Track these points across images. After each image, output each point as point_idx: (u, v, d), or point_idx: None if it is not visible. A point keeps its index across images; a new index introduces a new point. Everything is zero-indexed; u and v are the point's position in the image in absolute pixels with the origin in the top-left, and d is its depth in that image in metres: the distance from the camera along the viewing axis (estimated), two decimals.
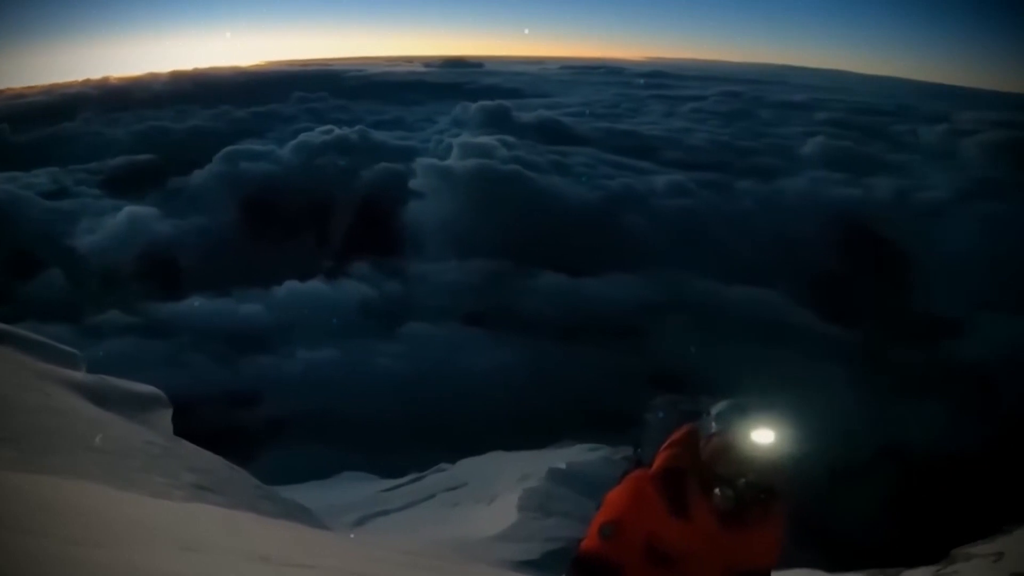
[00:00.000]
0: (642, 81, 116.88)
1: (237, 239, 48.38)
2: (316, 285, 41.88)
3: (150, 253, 44.99)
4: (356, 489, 17.48)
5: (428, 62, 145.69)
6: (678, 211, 50.37)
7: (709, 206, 51.53)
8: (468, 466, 17.36)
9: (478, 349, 35.86)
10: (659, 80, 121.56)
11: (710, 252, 44.90)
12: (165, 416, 10.31)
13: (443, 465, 17.82)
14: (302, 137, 61.97)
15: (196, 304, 38.86)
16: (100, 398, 9.20)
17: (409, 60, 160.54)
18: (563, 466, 14.82)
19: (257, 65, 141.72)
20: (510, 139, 61.07)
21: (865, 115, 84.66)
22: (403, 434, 27.47)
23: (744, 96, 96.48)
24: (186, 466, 8.41)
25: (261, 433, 28.87)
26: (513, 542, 11.43)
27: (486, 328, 38.14)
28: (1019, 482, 26.95)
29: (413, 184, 52.26)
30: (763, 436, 2.47)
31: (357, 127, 65.73)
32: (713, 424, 2.58)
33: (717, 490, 2.52)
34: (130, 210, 48.36)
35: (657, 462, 2.69)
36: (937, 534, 10.59)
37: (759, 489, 2.50)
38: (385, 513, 14.76)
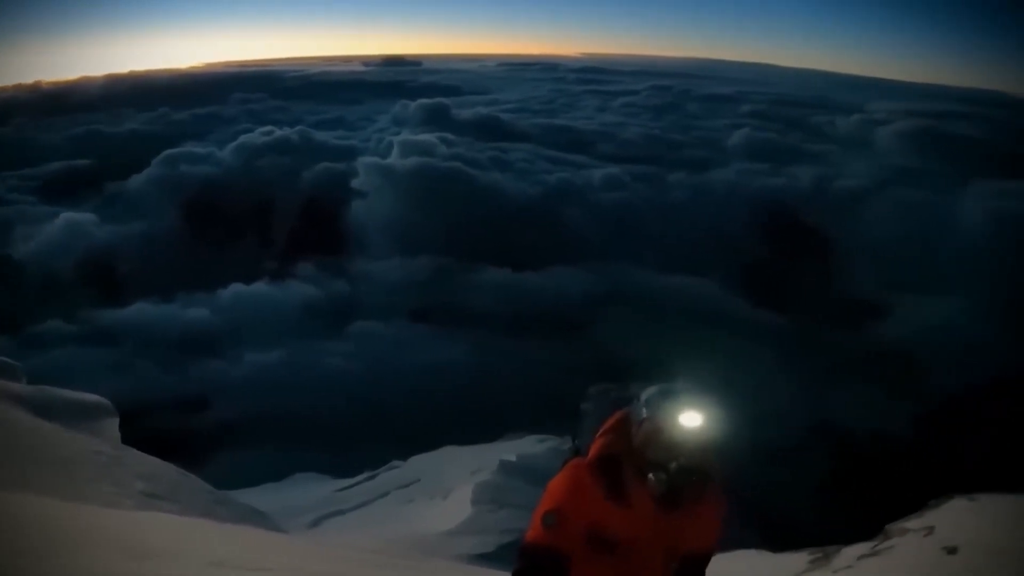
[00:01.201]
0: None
1: (179, 243, 47.21)
2: (261, 287, 41.13)
3: (90, 260, 43.50)
4: (310, 490, 17.22)
5: (367, 61, 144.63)
6: (614, 204, 50.93)
7: (644, 198, 52.27)
8: (420, 462, 17.24)
9: (425, 345, 35.67)
10: (593, 76, 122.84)
11: (646, 243, 45.66)
12: (112, 424, 10.01)
13: (395, 462, 17.65)
14: (242, 139, 60.80)
15: (140, 310, 37.76)
16: (43, 409, 8.88)
17: (348, 59, 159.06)
18: (514, 458, 14.80)
19: (195, 67, 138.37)
20: (450, 136, 60.96)
21: (786, 107, 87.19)
22: (355, 433, 27.16)
23: (674, 90, 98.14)
24: (136, 474, 8.20)
25: (212, 438, 28.17)
26: (468, 536, 11.38)
27: (433, 324, 37.95)
28: (943, 457, 28.13)
29: (355, 183, 51.79)
30: (690, 420, 2.46)
31: (297, 127, 64.89)
32: (643, 410, 2.56)
33: (650, 475, 2.51)
34: (67, 216, 46.57)
35: (592, 450, 2.68)
36: (871, 510, 10.83)
37: (690, 472, 2.50)
38: (340, 513, 14.57)
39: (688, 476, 2.50)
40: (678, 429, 2.47)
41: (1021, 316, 37.05)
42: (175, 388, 31.74)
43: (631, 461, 2.59)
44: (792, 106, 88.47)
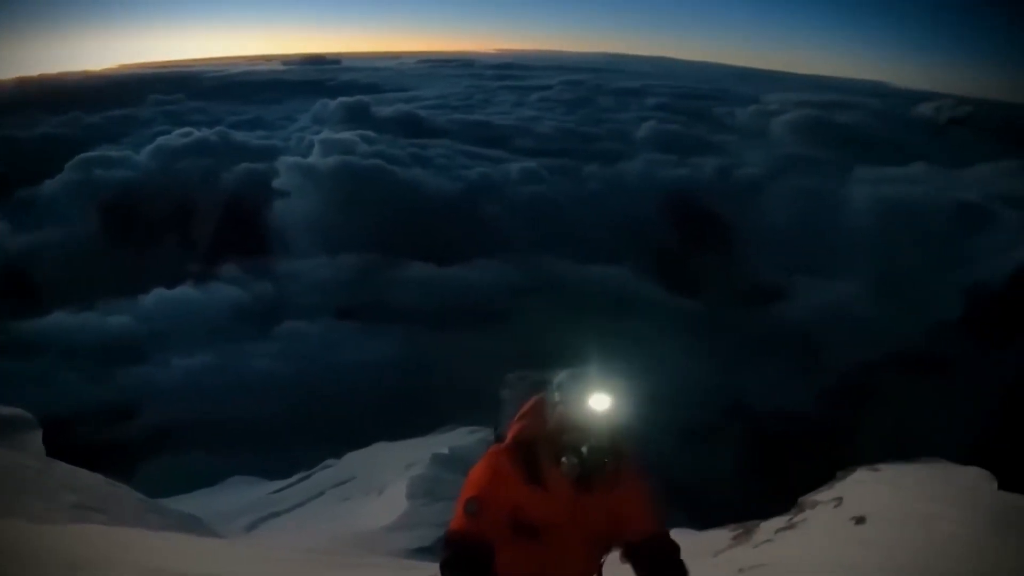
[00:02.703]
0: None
1: (97, 249, 45.10)
2: (185, 291, 39.76)
3: (2, 269, 41.28)
4: (245, 493, 16.90)
5: (287, 60, 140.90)
6: (532, 197, 51.26)
7: (560, 191, 52.82)
8: (354, 459, 17.09)
9: (353, 343, 35.26)
10: (508, 71, 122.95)
11: (564, 235, 46.04)
12: (35, 438, 9.74)
13: (329, 461, 17.43)
14: (160, 141, 58.21)
15: (58, 319, 36.03)
16: None
17: (268, 59, 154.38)
18: (446, 451, 14.84)
19: (109, 69, 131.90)
20: (371, 134, 60.10)
21: (688, 99, 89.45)
22: (287, 434, 26.71)
23: (585, 84, 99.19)
24: (64, 486, 8.04)
25: (141, 446, 27.28)
26: (406, 530, 11.38)
27: (360, 321, 37.50)
28: (846, 430, 29.53)
29: (277, 183, 50.49)
30: (600, 403, 2.45)
31: (217, 128, 62.71)
32: (555, 394, 2.54)
33: (564, 458, 2.49)
34: None
35: (508, 435, 2.67)
36: (785, 484, 11.09)
37: (602, 454, 2.47)
38: (276, 515, 14.38)
39: (600, 458, 2.48)
40: (588, 412, 2.46)
41: (907, 294, 39.18)
42: (100, 397, 30.52)
43: (547, 445, 2.56)
44: (694, 98, 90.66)
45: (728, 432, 30.28)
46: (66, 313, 36.53)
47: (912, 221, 45.75)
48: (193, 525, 9.75)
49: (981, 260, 41.08)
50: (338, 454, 17.76)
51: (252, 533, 13.19)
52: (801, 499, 8.96)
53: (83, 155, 53.66)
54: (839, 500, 8.25)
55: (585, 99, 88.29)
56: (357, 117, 68.43)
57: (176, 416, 29.47)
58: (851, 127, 72.99)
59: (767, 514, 9.10)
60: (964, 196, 48.51)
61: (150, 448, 27.17)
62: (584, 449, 2.47)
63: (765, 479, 24.95)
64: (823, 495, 8.78)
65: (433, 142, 61.81)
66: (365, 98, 77.97)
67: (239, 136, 62.51)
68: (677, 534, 2.79)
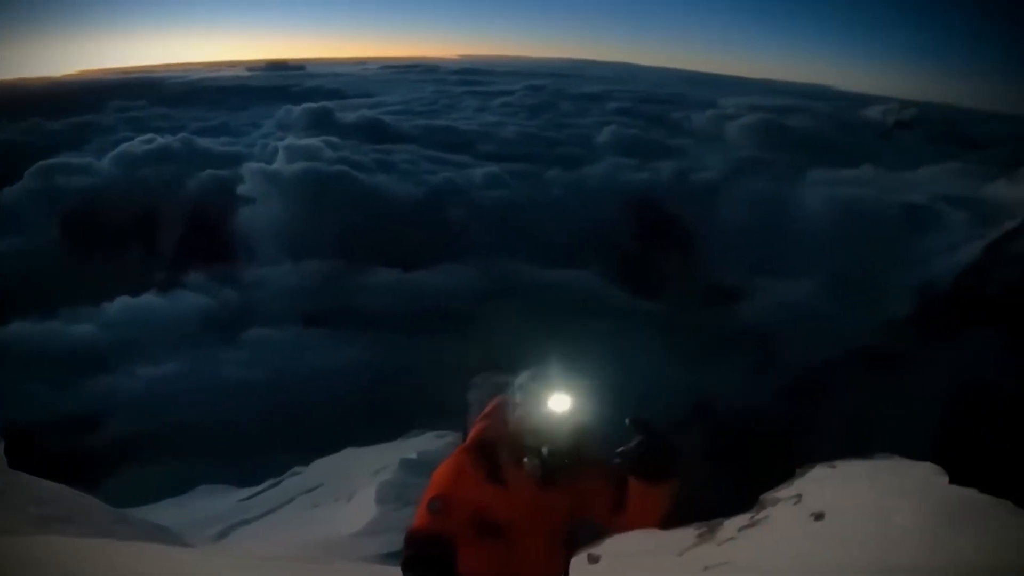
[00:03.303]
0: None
1: (59, 258, 44.06)
2: (150, 299, 38.97)
3: None
4: (214, 502, 16.59)
5: (251, 66, 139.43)
6: (496, 202, 51.23)
7: (523, 196, 52.80)
8: (322, 466, 16.85)
9: (321, 349, 34.90)
10: (471, 77, 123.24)
11: (528, 239, 46.05)
12: None
13: (298, 468, 17.15)
14: (122, 147, 57.09)
15: (20, 329, 35.04)
16: None
17: (232, 65, 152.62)
18: (414, 456, 14.70)
19: (70, 75, 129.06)
20: (335, 140, 59.52)
21: (648, 104, 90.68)
22: (255, 441, 26.23)
23: (547, 89, 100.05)
24: (30, 499, 7.86)
25: (107, 456, 26.63)
26: (375, 535, 11.26)
27: (327, 328, 37.12)
28: (804, 428, 30.00)
29: (241, 190, 49.72)
30: (560, 404, 2.44)
31: (180, 135, 61.66)
32: (516, 396, 2.52)
33: (525, 458, 2.49)
34: None
35: (470, 435, 2.66)
36: (747, 482, 11.13)
37: (562, 455, 2.47)
38: (246, 522, 14.13)
39: (561, 459, 2.48)
40: (547, 414, 2.45)
41: (860, 293, 39.99)
42: (64, 407, 29.68)
43: (508, 445, 2.55)
44: (653, 103, 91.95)
45: (692, 430, 30.55)
46: (28, 323, 35.56)
47: (863, 222, 46.72)
48: (162, 535, 9.58)
49: (929, 260, 42.03)
50: (306, 461, 17.47)
51: (222, 542, 12.97)
52: (763, 496, 9.09)
53: (44, 162, 52.29)
54: (799, 497, 8.40)
55: (547, 104, 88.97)
56: (321, 123, 68.00)
57: (142, 425, 28.79)
58: (803, 130, 74.66)
59: (731, 512, 9.19)
60: (911, 198, 49.70)
61: (116, 458, 26.52)
62: (544, 450, 2.47)
63: (728, 477, 25.24)
64: (783, 492, 8.91)
65: (398, 147, 61.52)
66: (329, 104, 77.61)
67: (203, 142, 61.50)
68: (643, 534, 2.81)
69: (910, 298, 39.35)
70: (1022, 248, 38.63)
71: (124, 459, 26.53)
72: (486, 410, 2.72)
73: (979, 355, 33.67)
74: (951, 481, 7.31)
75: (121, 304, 37.82)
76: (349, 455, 17.25)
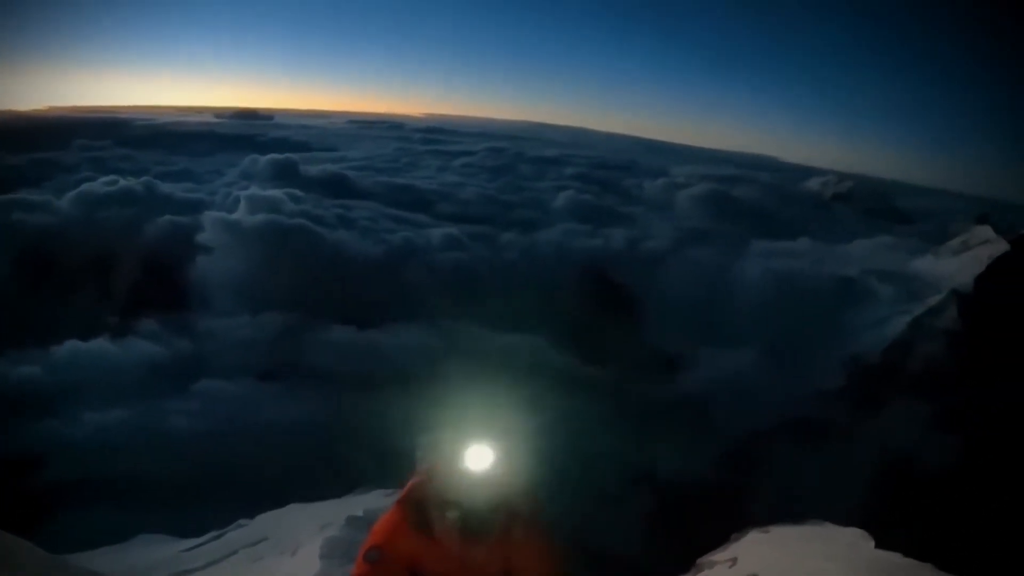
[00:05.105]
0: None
1: (9, 296, 42.95)
2: (101, 344, 37.99)
3: None
4: (154, 551, 16.30)
5: (219, 113, 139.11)
6: (452, 263, 51.43)
7: (479, 258, 53.18)
8: (267, 520, 16.66)
9: (272, 403, 34.48)
10: (435, 136, 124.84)
11: (482, 302, 46.12)
12: None
13: (242, 521, 16.98)
14: (84, 187, 56.21)
15: None
16: None
17: (200, 110, 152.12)
18: (360, 513, 14.64)
19: (36, 110, 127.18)
20: (297, 192, 59.43)
21: (602, 170, 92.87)
22: (200, 492, 25.76)
23: (508, 152, 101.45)
24: None
25: (44, 500, 25.89)
26: None
27: (279, 382, 36.72)
28: (740, 494, 30.77)
29: (200, 238, 49.08)
30: (477, 463, 2.53)
31: (143, 178, 60.79)
32: (420, 457, 2.69)
33: (448, 514, 2.59)
34: None
35: (404, 489, 2.82)
36: (685, 544, 11.29)
37: (480, 511, 2.55)
38: (187, 572, 13.93)
39: (479, 515, 2.55)
40: (461, 473, 2.55)
41: (794, 365, 41.25)
42: (3, 448, 28.59)
43: (435, 501, 2.64)
44: (608, 169, 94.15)
45: (634, 497, 30.92)
46: None
47: (799, 295, 48.33)
48: None
49: (859, 333, 43.53)
50: (252, 514, 17.31)
51: None
52: (699, 560, 9.12)
53: (1, 197, 51.40)
54: (734, 560, 8.43)
55: (507, 166, 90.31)
56: (285, 174, 67.98)
57: (84, 471, 28.05)
58: (748, 201, 77.07)
59: (669, 574, 9.28)
60: (844, 271, 51.31)
61: (55, 503, 25.83)
62: (463, 507, 2.57)
63: (667, 540, 25.55)
64: (719, 555, 8.92)
65: (359, 204, 61.70)
66: (294, 156, 77.70)
67: (165, 187, 60.86)
68: None
69: (841, 370, 40.68)
70: (944, 323, 40.33)
71: (63, 504, 25.85)
72: (420, 468, 2.85)
73: (903, 427, 35.04)
74: (877, 545, 7.48)
75: (70, 348, 36.82)
76: (295, 510, 17.03)
